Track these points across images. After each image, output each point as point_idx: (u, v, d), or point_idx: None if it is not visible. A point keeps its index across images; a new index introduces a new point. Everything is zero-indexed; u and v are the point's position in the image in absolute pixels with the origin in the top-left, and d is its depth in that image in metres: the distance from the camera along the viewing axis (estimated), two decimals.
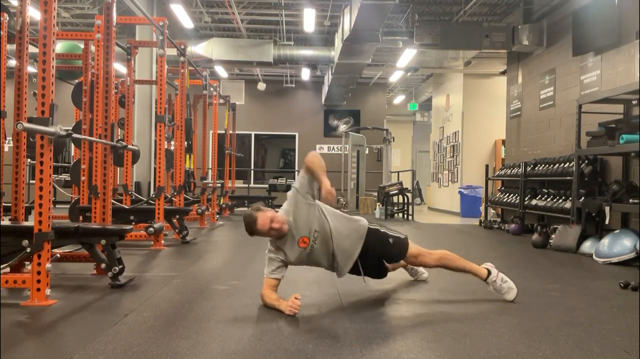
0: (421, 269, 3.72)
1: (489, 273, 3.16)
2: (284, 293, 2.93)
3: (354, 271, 3.13)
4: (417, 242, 3.24)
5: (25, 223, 3.47)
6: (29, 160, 4.46)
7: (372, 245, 3.10)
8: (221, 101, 10.10)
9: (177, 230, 5.92)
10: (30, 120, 3.17)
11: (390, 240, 3.14)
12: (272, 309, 2.86)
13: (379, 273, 3.29)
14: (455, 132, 12.73)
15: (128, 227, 3.67)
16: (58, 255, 3.63)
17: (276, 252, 3.00)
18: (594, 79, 6.73)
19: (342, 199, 12.64)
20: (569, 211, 6.26)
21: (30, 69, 4.25)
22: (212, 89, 8.87)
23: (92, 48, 5.68)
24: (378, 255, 3.19)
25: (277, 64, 11.25)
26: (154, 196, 5.59)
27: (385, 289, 3.46)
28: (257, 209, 2.94)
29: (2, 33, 3.85)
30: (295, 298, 2.75)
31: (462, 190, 11.65)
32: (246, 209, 12.37)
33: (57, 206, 7.52)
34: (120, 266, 3.47)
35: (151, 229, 5.09)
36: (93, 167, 4.66)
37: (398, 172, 13.75)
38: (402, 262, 3.48)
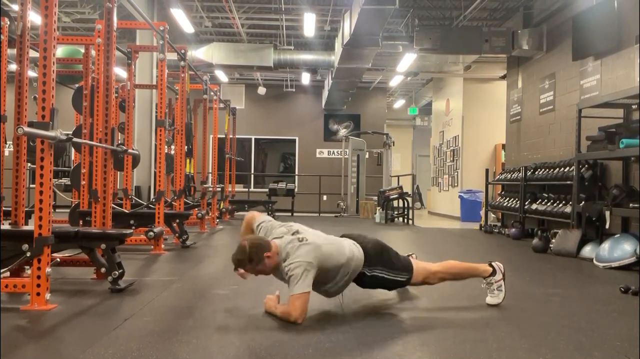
0: None
1: (494, 272, 3.12)
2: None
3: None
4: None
5: (25, 227, 3.46)
6: (29, 164, 4.45)
7: (373, 281, 3.01)
8: (221, 105, 10.11)
9: (177, 234, 5.92)
10: (30, 124, 3.17)
11: (394, 283, 3.05)
12: (273, 314, 2.83)
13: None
14: (456, 137, 12.74)
15: (128, 231, 3.67)
16: (58, 259, 3.63)
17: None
18: (594, 84, 6.74)
19: (341, 203, 12.64)
20: (569, 216, 6.25)
21: (31, 74, 4.25)
22: (212, 93, 8.88)
23: (93, 52, 5.69)
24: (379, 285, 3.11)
25: (278, 69, 11.28)
26: (154, 200, 5.59)
27: (386, 293, 3.45)
28: (253, 251, 2.73)
29: (2, 37, 3.85)
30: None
31: (462, 194, 11.65)
32: (246, 213, 12.34)
33: (57, 210, 7.50)
34: (120, 271, 3.47)
35: (151, 233, 5.09)
36: (93, 172, 4.66)
37: (398, 176, 13.78)
38: None
